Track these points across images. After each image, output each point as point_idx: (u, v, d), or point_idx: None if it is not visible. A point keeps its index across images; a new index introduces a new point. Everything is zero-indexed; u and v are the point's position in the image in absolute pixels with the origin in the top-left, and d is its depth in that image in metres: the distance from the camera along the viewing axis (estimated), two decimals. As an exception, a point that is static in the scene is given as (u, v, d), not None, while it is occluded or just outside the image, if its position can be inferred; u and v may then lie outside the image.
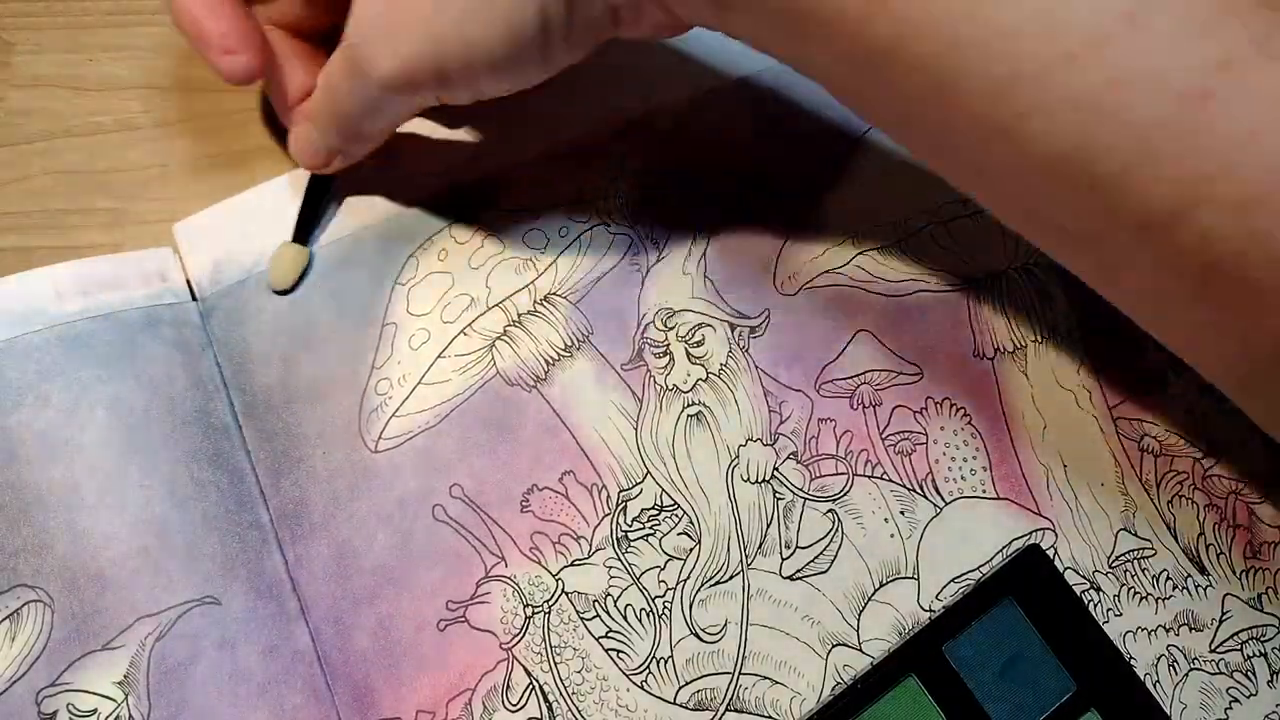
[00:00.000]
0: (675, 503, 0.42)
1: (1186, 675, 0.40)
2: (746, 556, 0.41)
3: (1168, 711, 0.39)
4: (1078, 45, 0.29)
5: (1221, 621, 0.41)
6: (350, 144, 0.43)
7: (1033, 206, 0.34)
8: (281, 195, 0.46)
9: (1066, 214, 0.33)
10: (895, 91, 0.34)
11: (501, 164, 0.47)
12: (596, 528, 0.41)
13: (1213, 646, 0.40)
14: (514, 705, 0.39)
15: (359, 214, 0.45)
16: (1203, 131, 0.29)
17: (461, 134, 0.47)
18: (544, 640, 0.40)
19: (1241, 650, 0.40)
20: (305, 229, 0.45)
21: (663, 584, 0.41)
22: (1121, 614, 0.41)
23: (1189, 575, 0.41)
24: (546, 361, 0.44)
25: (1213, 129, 0.29)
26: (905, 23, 0.32)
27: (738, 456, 0.43)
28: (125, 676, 0.38)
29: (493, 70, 0.37)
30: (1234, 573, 0.41)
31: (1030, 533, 0.42)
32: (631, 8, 0.36)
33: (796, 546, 0.41)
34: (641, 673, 0.39)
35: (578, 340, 0.44)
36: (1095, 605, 0.41)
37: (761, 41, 0.37)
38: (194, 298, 0.44)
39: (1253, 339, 0.32)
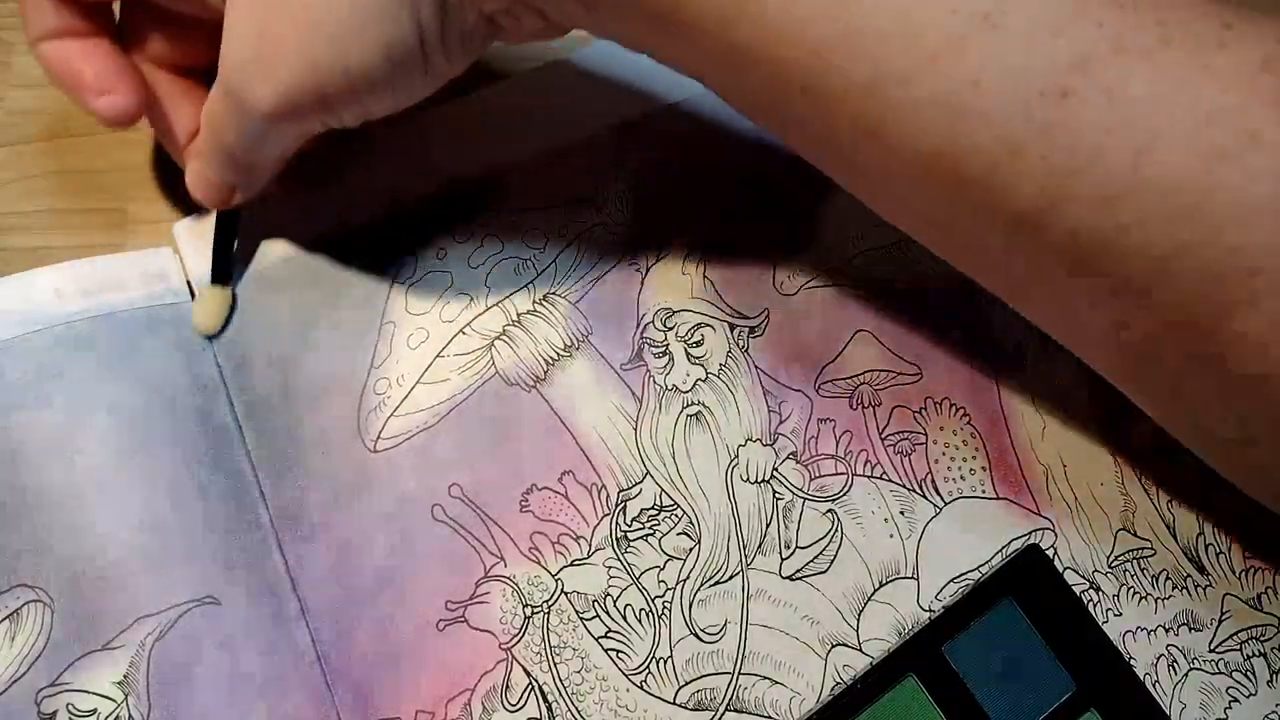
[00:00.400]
0: (675, 503, 0.42)
1: (1186, 675, 0.40)
2: (746, 556, 0.41)
3: (1167, 711, 0.39)
4: (938, 47, 0.30)
5: (1221, 621, 0.41)
6: (244, 177, 0.41)
7: (909, 205, 0.35)
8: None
9: (940, 212, 0.34)
10: (765, 92, 0.34)
11: (500, 165, 0.47)
12: (596, 528, 0.41)
13: (1212, 646, 0.40)
14: (513, 705, 0.39)
15: (362, 211, 0.45)
16: (1063, 129, 0.29)
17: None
18: (543, 640, 0.40)
19: (1241, 650, 0.40)
20: (223, 269, 0.44)
21: (662, 584, 0.41)
22: (1121, 614, 0.41)
23: (1188, 575, 0.41)
24: (546, 361, 0.44)
25: (1072, 126, 0.29)
26: (766, 27, 0.32)
27: (737, 456, 0.43)
28: (125, 676, 0.38)
29: (374, 90, 0.36)
30: (1233, 572, 0.41)
31: (1030, 533, 0.42)
32: (506, 14, 0.36)
33: (796, 546, 0.41)
34: (641, 673, 0.39)
35: (577, 340, 0.44)
36: (1095, 605, 0.41)
37: (633, 42, 0.37)
38: (194, 298, 0.44)
39: (1126, 330, 0.33)
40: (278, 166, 0.41)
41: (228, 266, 0.44)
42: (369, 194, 0.46)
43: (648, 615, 0.40)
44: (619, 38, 0.37)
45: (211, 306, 0.43)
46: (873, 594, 0.41)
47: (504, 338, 0.44)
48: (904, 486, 0.42)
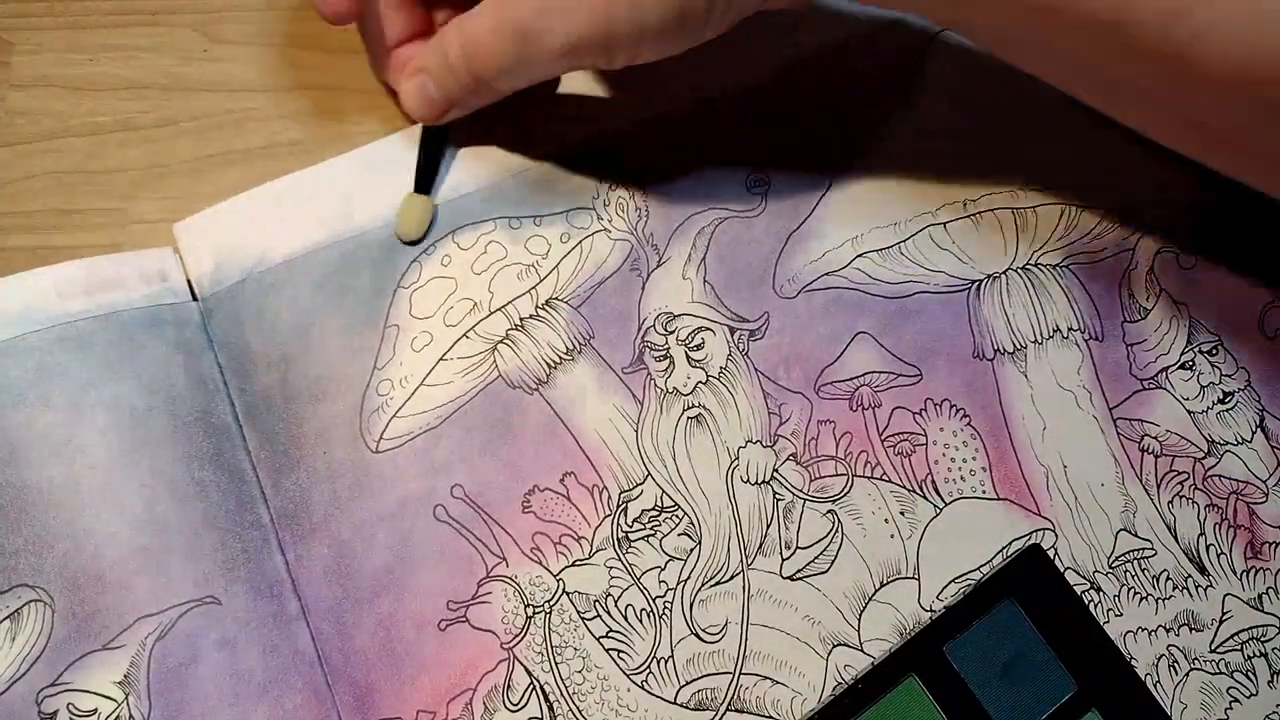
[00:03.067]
0: (675, 504, 0.42)
1: (1187, 675, 0.40)
2: (747, 557, 0.41)
3: (1168, 711, 0.39)
4: None
5: (1222, 622, 0.41)
6: (476, 100, 0.44)
7: (1196, 121, 0.37)
8: (281, 196, 0.45)
9: (1238, 121, 0.35)
10: (1060, 39, 0.36)
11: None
12: (597, 528, 0.41)
13: (1213, 647, 0.40)
14: (515, 705, 0.39)
15: (365, 214, 0.45)
16: None
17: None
18: (545, 640, 0.40)
19: (1242, 650, 0.40)
20: (426, 179, 0.46)
21: (663, 584, 0.41)
22: (1122, 614, 0.41)
23: (1189, 575, 0.41)
24: (548, 364, 0.44)
25: None
26: None
27: (738, 458, 0.43)
28: (125, 676, 0.38)
29: (655, 42, 0.40)
30: (1234, 573, 0.41)
31: (1030, 533, 0.42)
32: None
33: (796, 547, 0.41)
34: (642, 672, 0.39)
35: (579, 344, 0.44)
36: (1096, 605, 0.41)
37: (915, 7, 0.40)
38: (194, 298, 0.44)
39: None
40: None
41: (432, 177, 0.46)
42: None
43: (649, 615, 0.40)
44: (908, 10, 0.40)
45: (414, 213, 0.45)
46: (873, 594, 0.41)
47: (507, 341, 0.44)
48: (904, 487, 0.42)
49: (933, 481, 0.42)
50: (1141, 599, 0.41)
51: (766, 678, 0.40)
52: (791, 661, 0.40)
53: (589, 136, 0.48)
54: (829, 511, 0.42)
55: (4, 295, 0.42)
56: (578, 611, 0.40)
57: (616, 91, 0.48)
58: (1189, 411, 0.44)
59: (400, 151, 0.46)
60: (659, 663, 0.40)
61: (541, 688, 0.39)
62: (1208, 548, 0.42)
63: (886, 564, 0.41)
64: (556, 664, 0.39)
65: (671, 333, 0.44)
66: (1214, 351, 0.44)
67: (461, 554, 0.41)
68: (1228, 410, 0.44)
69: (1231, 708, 0.40)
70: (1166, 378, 0.44)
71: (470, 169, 0.47)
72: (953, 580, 0.41)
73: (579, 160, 0.47)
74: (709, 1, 0.38)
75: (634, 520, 0.42)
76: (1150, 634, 0.40)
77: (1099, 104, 0.39)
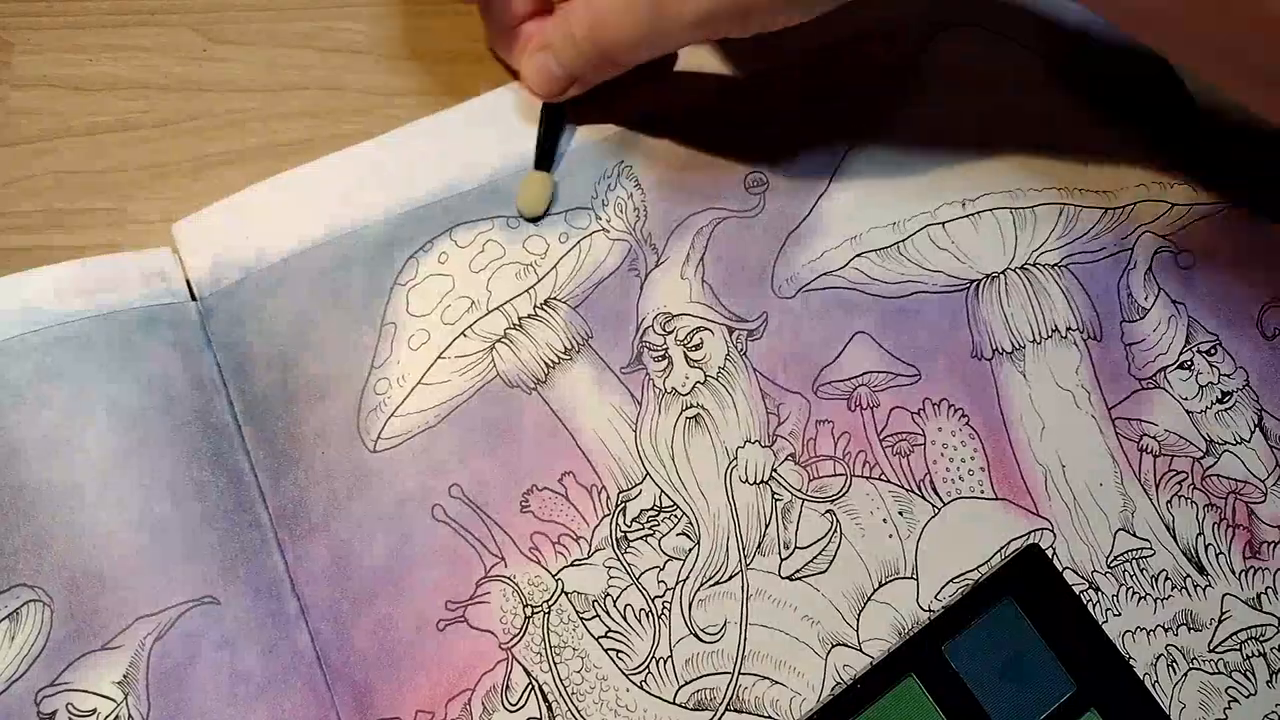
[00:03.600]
0: (674, 504, 0.42)
1: (1185, 675, 0.40)
2: (745, 557, 0.41)
3: (1167, 711, 0.39)
4: None
5: (1220, 621, 0.41)
6: (598, 73, 0.44)
7: None
8: (278, 195, 0.45)
9: None
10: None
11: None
12: (596, 528, 0.41)
13: (1212, 646, 0.40)
14: (513, 705, 0.39)
15: (362, 212, 0.45)
16: None
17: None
18: (543, 640, 0.40)
19: (1240, 650, 0.40)
20: (547, 157, 0.47)
21: (662, 584, 0.41)
22: (1120, 614, 0.41)
23: (1188, 575, 0.41)
24: (546, 364, 0.44)
25: None
26: None
27: (736, 458, 0.43)
28: (124, 676, 0.38)
29: (790, 6, 0.40)
30: (1233, 573, 0.41)
31: (1029, 533, 0.42)
32: None
33: (795, 547, 0.41)
34: (641, 673, 0.39)
35: (577, 344, 0.44)
36: (1094, 605, 0.41)
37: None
38: (193, 298, 0.44)
39: None
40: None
41: (552, 154, 0.47)
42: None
43: (647, 615, 0.40)
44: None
45: (537, 190, 0.46)
46: (872, 594, 0.41)
47: (505, 341, 0.44)
48: (903, 487, 0.42)
49: (931, 481, 0.42)
50: (1140, 599, 0.41)
51: (765, 678, 0.40)
52: (790, 661, 0.40)
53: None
54: (827, 511, 0.42)
55: (3, 295, 0.42)
56: (576, 611, 0.40)
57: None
58: (1187, 411, 0.44)
59: (396, 150, 0.46)
60: (658, 663, 0.40)
61: (540, 688, 0.39)
62: (1206, 547, 0.42)
63: (885, 564, 0.41)
64: (555, 664, 0.39)
65: (670, 333, 0.44)
66: (1212, 351, 0.44)
67: (460, 554, 0.41)
68: (1226, 410, 0.44)
69: (1230, 707, 0.39)
70: (1165, 377, 0.44)
71: (469, 167, 0.47)
72: (951, 580, 0.41)
73: (578, 160, 0.47)
74: None
75: (633, 520, 0.42)
76: (1149, 633, 0.40)
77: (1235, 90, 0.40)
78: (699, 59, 0.49)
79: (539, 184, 0.46)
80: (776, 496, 0.42)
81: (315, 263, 0.44)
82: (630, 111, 0.48)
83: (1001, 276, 0.45)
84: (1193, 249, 0.46)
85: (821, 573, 0.41)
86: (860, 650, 0.40)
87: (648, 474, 0.42)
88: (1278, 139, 0.48)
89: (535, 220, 0.46)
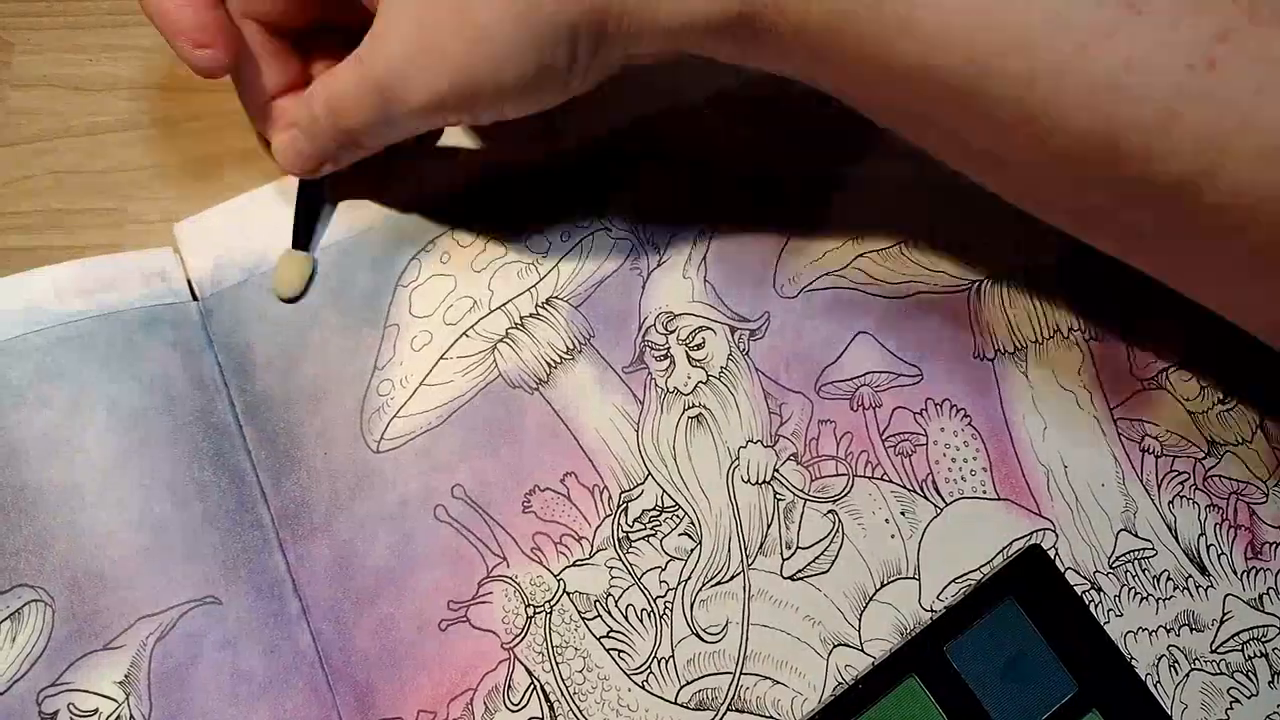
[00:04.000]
0: (676, 504, 0.42)
1: (1187, 675, 0.40)
2: (747, 557, 0.41)
3: (1169, 712, 0.39)
4: (1088, 37, 0.32)
5: (1222, 622, 0.41)
6: (347, 155, 0.43)
7: (1060, 195, 0.37)
8: (280, 196, 0.45)
9: (1094, 196, 0.36)
10: (918, 102, 0.36)
11: (508, 163, 0.47)
12: (598, 528, 0.41)
13: (1214, 647, 0.40)
14: (515, 705, 0.39)
15: (361, 215, 0.45)
16: (1214, 94, 0.31)
17: (460, 138, 0.47)
18: (545, 640, 0.40)
19: (1242, 651, 0.40)
20: (303, 235, 0.45)
21: (664, 584, 0.41)
22: (1122, 614, 0.41)
23: (1190, 576, 0.41)
24: (548, 364, 0.44)
25: (1222, 91, 0.31)
26: (925, 42, 0.34)
27: (738, 458, 0.43)
28: (126, 676, 0.38)
29: (517, 101, 0.39)
30: (1235, 573, 0.41)
31: (1031, 533, 0.42)
32: (653, 55, 0.40)
33: (797, 547, 0.41)
34: (643, 672, 0.39)
35: (579, 343, 0.44)
36: (1096, 605, 0.41)
37: (784, 70, 0.39)
38: (194, 298, 0.44)
39: None
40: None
41: (309, 233, 0.45)
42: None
43: (649, 615, 0.40)
44: (769, 68, 0.39)
45: (293, 271, 0.44)
46: (874, 594, 0.41)
47: (507, 340, 0.44)
48: (905, 487, 0.42)
49: (933, 481, 0.42)
50: (1142, 599, 0.41)
51: (767, 678, 0.40)
52: (792, 661, 0.40)
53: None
54: (829, 511, 0.42)
55: (3, 295, 0.42)
56: (578, 611, 0.40)
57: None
58: (1189, 412, 0.44)
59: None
60: (659, 663, 0.40)
61: (542, 688, 0.39)
62: (1208, 548, 0.42)
63: (887, 564, 0.41)
64: (557, 664, 0.39)
65: (672, 332, 0.44)
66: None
67: (462, 554, 0.41)
68: (1228, 410, 0.44)
69: (1232, 708, 0.40)
70: (1166, 378, 0.44)
71: (469, 169, 0.47)
72: (953, 580, 0.41)
73: (579, 159, 0.47)
74: (569, 60, 0.38)
75: (634, 520, 0.42)
76: (1151, 634, 0.40)
77: (958, 165, 0.39)
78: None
79: (297, 264, 0.44)
80: (778, 496, 0.42)
81: (317, 264, 0.44)
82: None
83: (1004, 277, 0.45)
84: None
85: (823, 573, 0.41)
86: (862, 650, 0.40)
87: (650, 474, 0.42)
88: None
89: (292, 301, 0.44)
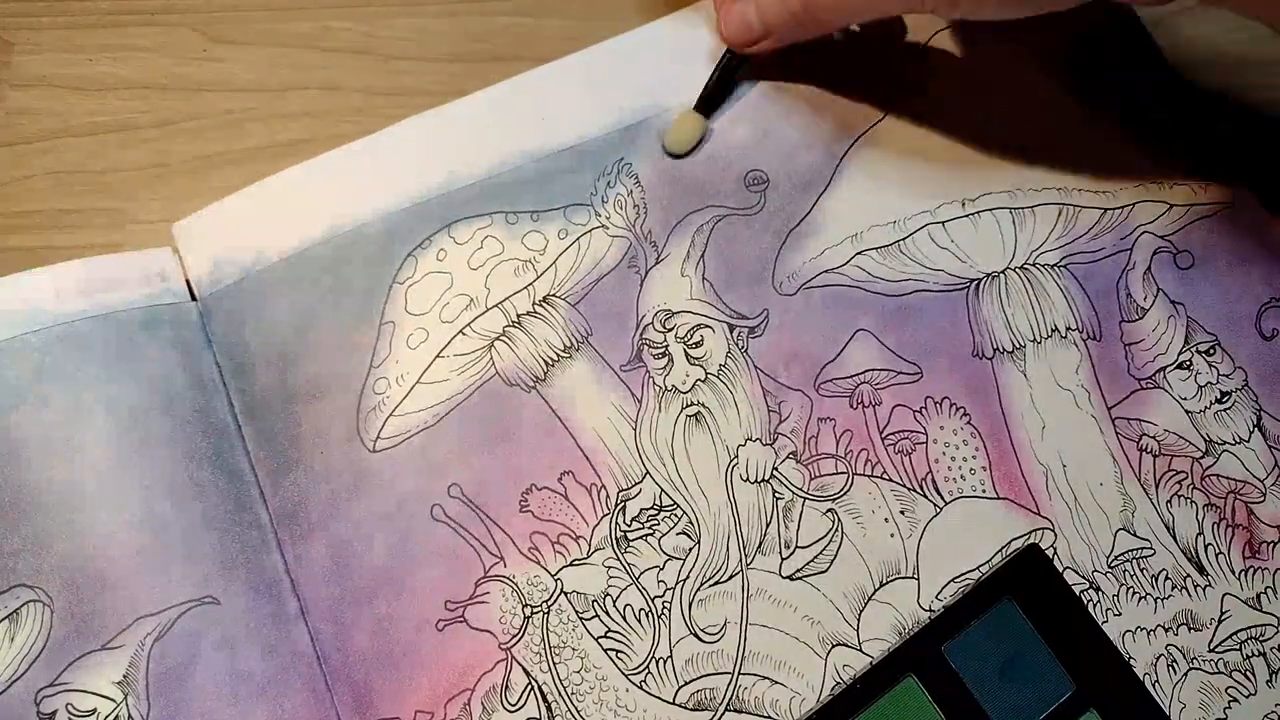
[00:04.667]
0: (674, 503, 0.42)
1: (1186, 675, 0.40)
2: (746, 556, 0.41)
3: (1167, 711, 0.39)
4: None
5: (1220, 621, 0.41)
6: (797, 32, 0.44)
7: None
8: (277, 194, 0.45)
9: None
10: None
11: None
12: (595, 528, 0.41)
13: (1212, 646, 0.40)
14: (513, 705, 0.39)
15: (361, 210, 0.45)
16: None
17: None
18: (543, 640, 0.40)
19: (1240, 650, 0.40)
20: (711, 101, 0.47)
21: (662, 584, 0.41)
22: (1121, 614, 0.40)
23: (1188, 575, 0.41)
24: (545, 362, 0.44)
25: None
26: None
27: (737, 456, 0.43)
28: (124, 676, 0.38)
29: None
30: (1233, 572, 0.41)
31: (1029, 532, 0.42)
32: None
33: (796, 546, 0.41)
34: (641, 673, 0.39)
35: (577, 341, 0.44)
36: (1094, 605, 0.41)
37: None
38: (193, 298, 0.44)
39: None
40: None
41: (717, 103, 0.48)
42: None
43: (647, 615, 0.40)
44: None
45: (689, 128, 0.47)
46: (873, 594, 0.41)
47: (504, 338, 0.44)
48: (904, 486, 0.42)
49: (933, 480, 0.42)
50: (1140, 598, 0.41)
51: (765, 678, 0.40)
52: (790, 661, 0.40)
53: None
54: (829, 510, 0.42)
55: (3, 295, 0.42)
56: (576, 611, 0.40)
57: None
58: (1187, 411, 0.43)
59: (393, 147, 0.46)
60: (658, 663, 0.40)
61: (540, 688, 0.39)
62: (1206, 547, 0.42)
63: (886, 563, 0.41)
64: (555, 664, 0.40)
65: (670, 330, 0.44)
66: (1211, 351, 0.44)
67: (459, 554, 0.41)
68: (1225, 410, 0.43)
69: (1230, 707, 0.39)
70: (1164, 377, 0.44)
71: (467, 163, 0.47)
72: (952, 580, 0.41)
73: (577, 156, 0.47)
74: None
75: (632, 519, 0.42)
76: (1149, 633, 0.40)
77: None
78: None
79: (692, 123, 0.47)
80: (777, 495, 0.42)
81: (315, 262, 0.45)
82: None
83: (1001, 276, 0.45)
84: (1192, 249, 0.46)
85: (822, 572, 0.41)
86: (860, 650, 0.40)
87: (648, 473, 0.42)
88: (1277, 138, 0.48)
89: (678, 158, 0.46)
